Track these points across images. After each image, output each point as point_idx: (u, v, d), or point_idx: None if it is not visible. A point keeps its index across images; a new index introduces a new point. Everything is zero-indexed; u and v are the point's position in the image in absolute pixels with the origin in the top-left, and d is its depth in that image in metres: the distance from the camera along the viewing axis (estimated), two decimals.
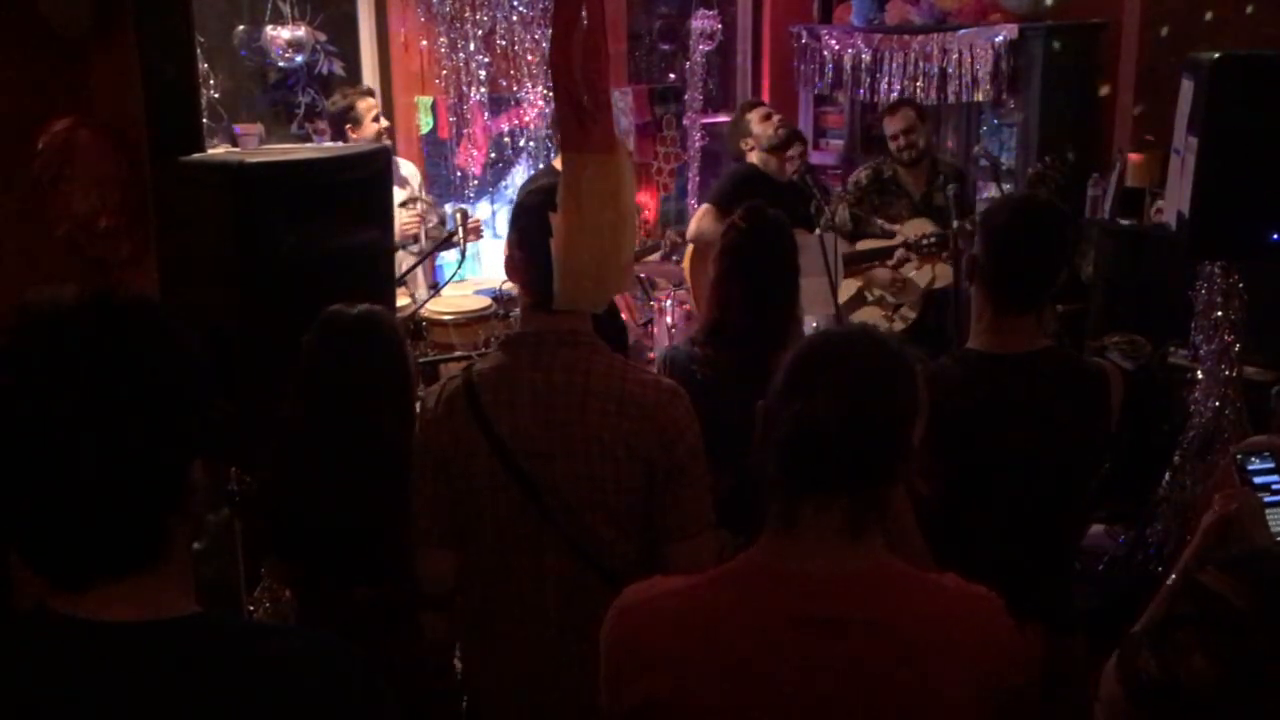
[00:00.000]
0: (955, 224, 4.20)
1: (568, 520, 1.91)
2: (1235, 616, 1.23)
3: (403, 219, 4.43)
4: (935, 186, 4.57)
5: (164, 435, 1.05)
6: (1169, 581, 1.82)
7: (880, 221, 4.69)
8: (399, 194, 4.66)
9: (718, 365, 2.41)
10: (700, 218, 4.54)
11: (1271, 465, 1.92)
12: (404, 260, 4.43)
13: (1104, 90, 5.63)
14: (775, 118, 4.61)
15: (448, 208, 5.31)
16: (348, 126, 4.50)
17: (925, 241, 4.51)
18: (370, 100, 4.55)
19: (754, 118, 4.62)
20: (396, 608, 2.24)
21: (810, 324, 4.34)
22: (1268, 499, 1.92)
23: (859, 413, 1.33)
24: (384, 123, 4.60)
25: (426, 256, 4.53)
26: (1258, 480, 1.96)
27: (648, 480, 1.90)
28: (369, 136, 4.45)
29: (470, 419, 1.93)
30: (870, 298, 4.71)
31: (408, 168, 4.88)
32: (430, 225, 4.58)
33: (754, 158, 4.59)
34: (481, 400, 1.93)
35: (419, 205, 4.53)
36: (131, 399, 1.03)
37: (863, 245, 4.77)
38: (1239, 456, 1.96)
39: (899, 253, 4.59)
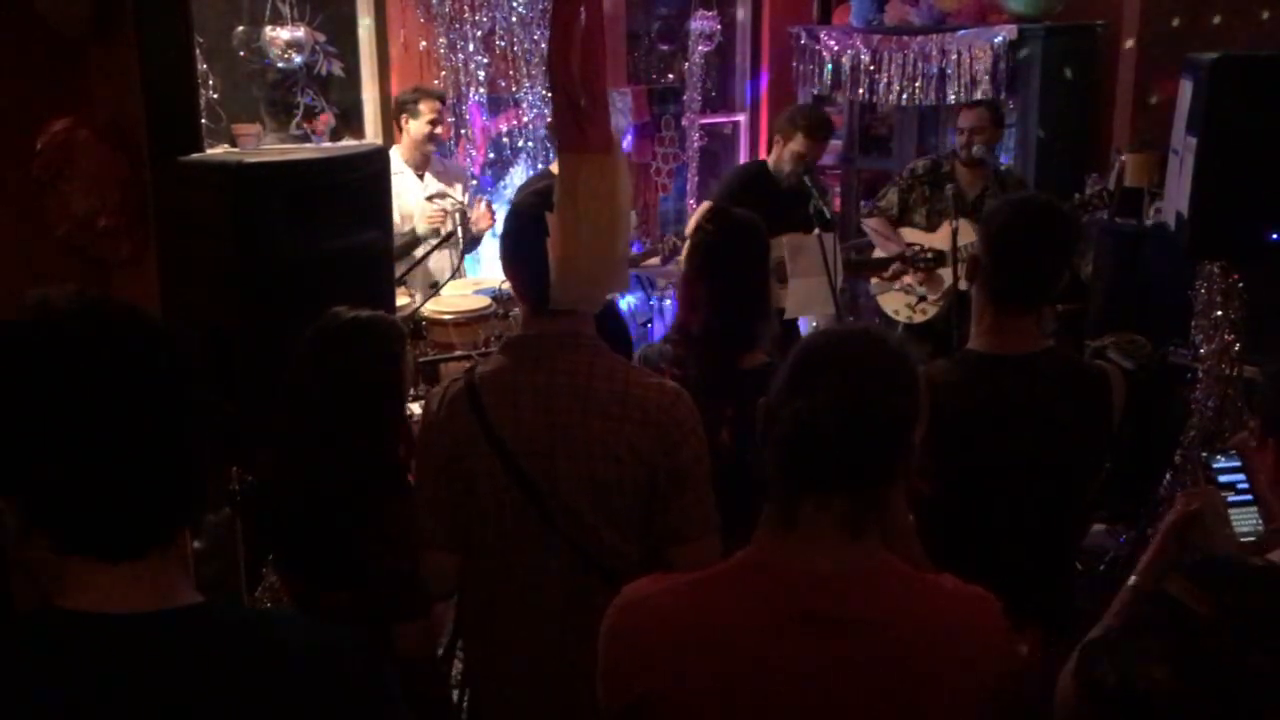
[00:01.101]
0: (953, 224, 4.19)
1: (569, 522, 1.91)
2: (1199, 626, 1.22)
3: (428, 212, 4.52)
4: (990, 193, 4.55)
5: (191, 410, 1.09)
6: (1130, 582, 1.80)
7: (917, 222, 4.66)
8: (450, 189, 4.74)
9: (687, 364, 2.42)
10: (698, 216, 4.54)
11: (1237, 464, 1.90)
12: (435, 256, 4.54)
13: (1101, 98, 5.63)
14: (802, 163, 4.45)
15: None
16: (404, 115, 4.68)
17: (922, 257, 4.50)
18: (437, 104, 4.71)
19: (797, 141, 4.46)
20: (378, 614, 2.24)
21: (810, 324, 4.35)
22: (1232, 498, 1.91)
23: (859, 411, 1.32)
24: (438, 129, 4.73)
25: (425, 257, 4.54)
26: (1223, 479, 1.95)
27: (650, 483, 1.90)
28: (419, 135, 4.64)
29: (472, 421, 1.93)
30: (899, 284, 4.70)
31: (456, 167, 5.09)
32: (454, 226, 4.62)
33: (773, 154, 4.58)
34: (483, 402, 1.93)
35: (448, 201, 4.55)
36: (164, 371, 1.08)
37: (873, 246, 4.76)
38: (1204, 455, 1.95)
39: (894, 266, 4.59)
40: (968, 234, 4.43)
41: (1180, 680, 1.20)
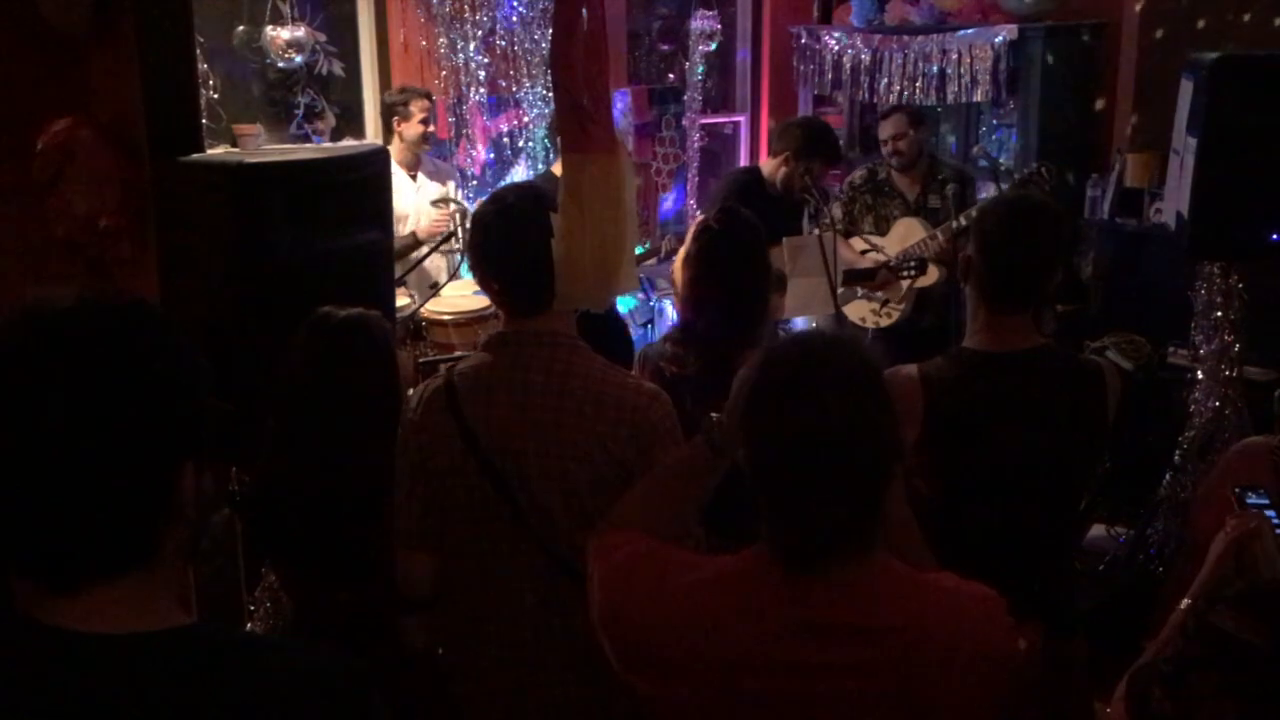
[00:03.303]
0: (955, 224, 4.22)
1: (540, 522, 1.90)
2: (1254, 657, 1.21)
3: (434, 216, 4.54)
4: (931, 189, 4.57)
5: (154, 437, 1.04)
6: (1182, 605, 1.77)
7: (866, 230, 4.69)
8: (436, 190, 4.74)
9: (687, 363, 2.43)
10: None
11: (1268, 501, 1.89)
12: (437, 259, 4.54)
13: (1101, 98, 5.63)
14: (809, 179, 4.41)
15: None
16: (395, 119, 4.66)
17: (906, 266, 4.51)
18: (426, 102, 4.71)
19: (814, 165, 4.40)
20: (379, 611, 2.24)
21: (811, 324, 4.36)
22: None
23: (843, 443, 1.32)
24: (431, 128, 4.75)
25: (426, 257, 4.53)
26: None
27: (624, 485, 1.88)
28: (412, 136, 4.64)
29: (448, 418, 1.93)
30: (860, 291, 4.73)
31: (447, 166, 5.10)
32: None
33: (775, 167, 4.56)
34: (460, 399, 1.93)
35: (452, 205, 4.56)
36: (121, 400, 1.02)
37: (845, 264, 4.78)
38: (1236, 491, 1.93)
39: (881, 274, 4.60)
40: (916, 232, 4.48)
41: (1243, 711, 1.19)
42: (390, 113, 4.70)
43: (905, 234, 4.57)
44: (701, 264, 2.54)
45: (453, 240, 4.47)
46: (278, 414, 2.26)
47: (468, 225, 4.49)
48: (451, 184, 4.91)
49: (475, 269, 2.04)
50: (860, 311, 4.75)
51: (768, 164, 4.62)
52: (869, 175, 4.75)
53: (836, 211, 4.75)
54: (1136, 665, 1.45)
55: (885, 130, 4.67)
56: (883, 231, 4.67)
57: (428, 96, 4.77)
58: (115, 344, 1.04)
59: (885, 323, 4.68)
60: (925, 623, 1.36)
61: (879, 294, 4.65)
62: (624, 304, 5.49)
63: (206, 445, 1.11)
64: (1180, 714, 1.25)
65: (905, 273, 4.50)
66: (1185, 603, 1.75)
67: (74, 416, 1.00)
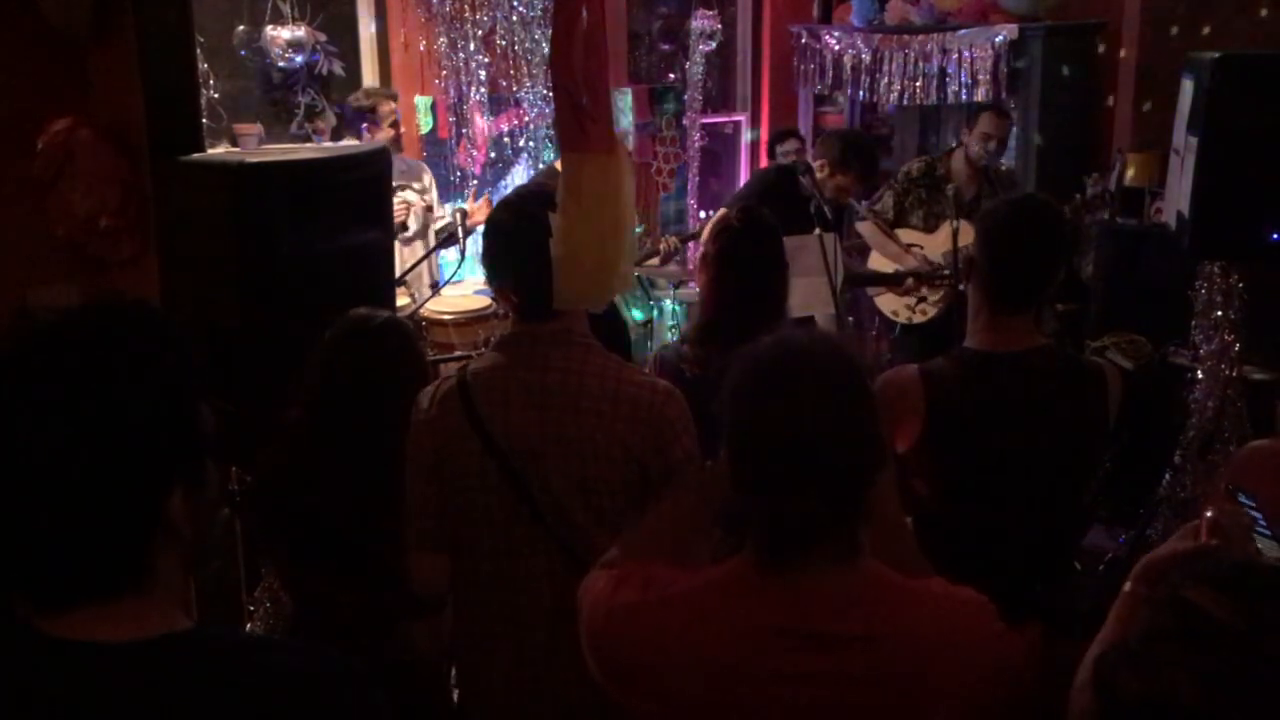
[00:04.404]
0: (953, 224, 4.20)
1: (559, 521, 1.90)
2: (1222, 634, 1.21)
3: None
4: (985, 193, 4.55)
5: (137, 466, 1.03)
6: (1126, 587, 1.77)
7: (914, 224, 4.66)
8: (412, 195, 4.73)
9: (706, 363, 2.42)
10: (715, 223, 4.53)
11: (1254, 504, 1.90)
12: (398, 251, 4.48)
13: (1101, 98, 5.62)
14: (845, 196, 4.38)
15: (447, 207, 5.31)
16: (365, 124, 4.62)
17: (941, 274, 4.48)
18: (393, 104, 4.68)
19: (848, 179, 4.31)
20: (383, 614, 2.23)
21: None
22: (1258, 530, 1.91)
23: (830, 433, 1.31)
24: (401, 129, 4.74)
25: (428, 255, 4.53)
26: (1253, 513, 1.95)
27: (641, 482, 1.89)
28: (386, 139, 4.57)
29: (463, 419, 1.93)
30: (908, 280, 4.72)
31: (416, 164, 5.06)
32: (427, 223, 4.62)
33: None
34: (475, 400, 1.93)
35: (408, 193, 4.56)
36: (99, 430, 1.01)
37: (876, 262, 4.76)
38: (1230, 488, 1.93)
39: (908, 282, 4.57)
40: (967, 235, 4.45)
41: (1207, 690, 1.19)
42: (359, 119, 4.63)
43: (951, 237, 4.55)
44: (722, 263, 2.54)
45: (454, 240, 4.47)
46: (297, 410, 2.24)
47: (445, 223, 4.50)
48: (427, 178, 4.86)
49: (491, 262, 2.04)
50: (894, 304, 4.73)
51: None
52: (927, 169, 4.71)
53: (887, 199, 4.75)
54: (1099, 652, 1.44)
55: (990, 126, 4.59)
56: (931, 228, 4.65)
57: (393, 97, 4.73)
58: (106, 366, 1.02)
59: (918, 319, 4.66)
60: (913, 630, 1.35)
61: (922, 290, 4.62)
62: (633, 311, 5.48)
63: (204, 460, 1.10)
64: (1146, 691, 1.24)
65: (939, 279, 4.48)
66: (1127, 586, 1.75)
67: (46, 441, 0.99)
